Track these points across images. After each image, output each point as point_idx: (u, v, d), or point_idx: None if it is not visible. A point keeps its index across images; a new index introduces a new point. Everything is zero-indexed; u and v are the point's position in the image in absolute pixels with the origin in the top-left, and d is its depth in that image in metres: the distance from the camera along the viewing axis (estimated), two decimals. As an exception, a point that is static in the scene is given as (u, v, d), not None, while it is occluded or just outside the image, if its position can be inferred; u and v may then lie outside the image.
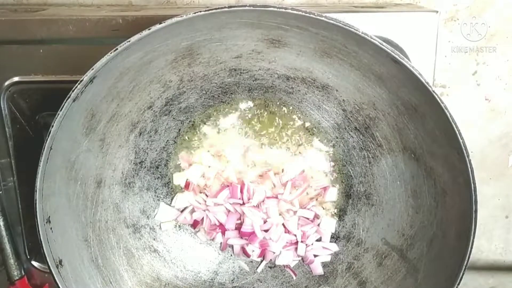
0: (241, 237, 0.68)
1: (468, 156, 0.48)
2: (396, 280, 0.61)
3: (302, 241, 0.68)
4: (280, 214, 0.68)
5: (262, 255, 0.69)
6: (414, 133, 0.56)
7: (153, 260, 0.67)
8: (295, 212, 0.68)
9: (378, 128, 0.61)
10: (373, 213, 0.66)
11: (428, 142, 0.54)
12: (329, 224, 0.68)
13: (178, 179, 0.69)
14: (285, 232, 0.69)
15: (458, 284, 0.51)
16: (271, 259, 0.70)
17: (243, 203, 0.68)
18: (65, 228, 0.56)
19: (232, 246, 0.70)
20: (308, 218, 0.68)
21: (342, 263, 0.67)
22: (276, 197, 0.68)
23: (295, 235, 0.68)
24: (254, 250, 0.68)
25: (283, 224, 0.68)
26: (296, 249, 0.69)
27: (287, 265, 0.70)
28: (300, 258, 0.70)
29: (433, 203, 0.57)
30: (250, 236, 0.68)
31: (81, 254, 0.58)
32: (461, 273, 0.51)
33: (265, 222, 0.68)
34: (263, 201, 0.68)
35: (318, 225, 0.69)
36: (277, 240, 0.67)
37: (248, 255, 0.69)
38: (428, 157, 0.56)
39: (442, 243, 0.55)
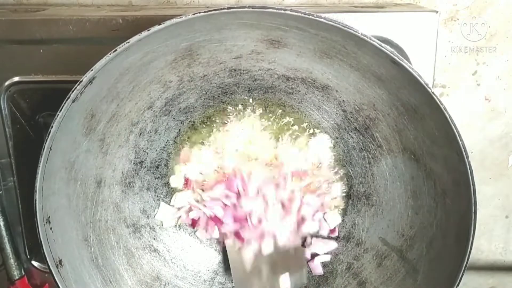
0: (235, 222, 0.67)
1: (467, 157, 0.48)
2: (395, 280, 0.61)
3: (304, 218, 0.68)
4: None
5: (259, 238, 0.68)
6: (413, 134, 0.56)
7: (153, 259, 0.68)
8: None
9: (378, 128, 0.61)
10: (373, 214, 0.66)
11: (428, 143, 0.54)
12: (334, 218, 0.69)
13: (175, 181, 0.69)
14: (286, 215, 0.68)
15: (458, 285, 0.52)
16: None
17: (240, 196, 0.67)
18: (65, 228, 0.56)
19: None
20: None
21: (341, 263, 0.67)
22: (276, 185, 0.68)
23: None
24: (249, 233, 0.67)
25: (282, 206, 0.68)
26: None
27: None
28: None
29: (433, 204, 0.57)
30: (244, 220, 0.67)
31: (81, 254, 0.58)
32: (461, 274, 0.51)
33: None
34: (261, 189, 0.67)
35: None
36: (274, 221, 0.66)
37: (242, 240, 0.67)
38: (427, 158, 0.56)
39: (441, 243, 0.55)
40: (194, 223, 0.69)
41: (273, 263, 0.67)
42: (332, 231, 0.69)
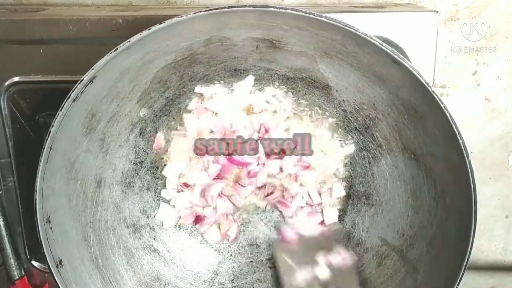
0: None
1: (468, 156, 0.48)
2: (395, 280, 0.61)
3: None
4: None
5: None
6: (414, 133, 0.56)
7: (153, 260, 0.67)
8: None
9: (378, 128, 0.61)
10: (373, 213, 0.66)
11: (428, 143, 0.54)
12: (331, 215, 0.69)
13: (166, 194, 0.70)
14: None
15: (458, 284, 0.51)
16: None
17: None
18: (65, 228, 0.56)
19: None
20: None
21: (342, 263, 0.67)
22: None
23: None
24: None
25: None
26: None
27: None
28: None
29: (433, 204, 0.57)
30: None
31: (81, 254, 0.58)
32: (461, 273, 0.51)
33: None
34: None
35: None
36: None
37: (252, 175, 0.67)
38: (428, 158, 0.56)
39: (442, 243, 0.55)
40: (198, 220, 0.69)
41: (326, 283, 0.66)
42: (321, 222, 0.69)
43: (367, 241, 0.66)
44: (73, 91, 0.48)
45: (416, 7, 0.73)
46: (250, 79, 0.64)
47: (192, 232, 0.71)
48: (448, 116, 0.47)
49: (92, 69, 0.47)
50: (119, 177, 0.65)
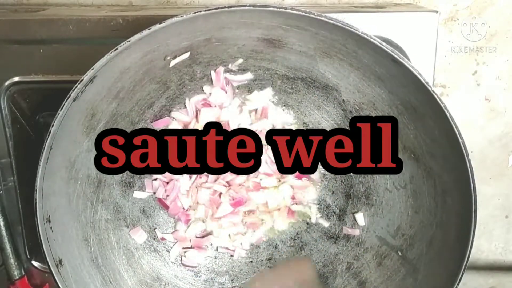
0: None
1: (467, 156, 0.48)
2: (395, 280, 0.61)
3: None
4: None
5: None
6: (413, 133, 0.56)
7: (153, 259, 0.67)
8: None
9: (378, 128, 0.61)
10: (373, 213, 0.66)
11: (428, 142, 0.54)
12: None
13: None
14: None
15: (458, 284, 0.51)
16: None
17: None
18: (65, 228, 0.56)
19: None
20: None
21: (341, 263, 0.67)
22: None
23: None
24: None
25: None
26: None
27: None
28: None
29: (433, 203, 0.57)
30: None
31: (81, 254, 0.58)
32: (461, 273, 0.51)
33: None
34: None
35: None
36: None
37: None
38: (428, 157, 0.56)
39: (441, 243, 0.55)
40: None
41: None
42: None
43: (367, 241, 0.66)
44: (73, 90, 0.48)
45: (416, 7, 0.73)
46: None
47: (192, 232, 0.71)
48: (448, 116, 0.47)
49: (92, 69, 0.47)
50: (119, 177, 0.64)
